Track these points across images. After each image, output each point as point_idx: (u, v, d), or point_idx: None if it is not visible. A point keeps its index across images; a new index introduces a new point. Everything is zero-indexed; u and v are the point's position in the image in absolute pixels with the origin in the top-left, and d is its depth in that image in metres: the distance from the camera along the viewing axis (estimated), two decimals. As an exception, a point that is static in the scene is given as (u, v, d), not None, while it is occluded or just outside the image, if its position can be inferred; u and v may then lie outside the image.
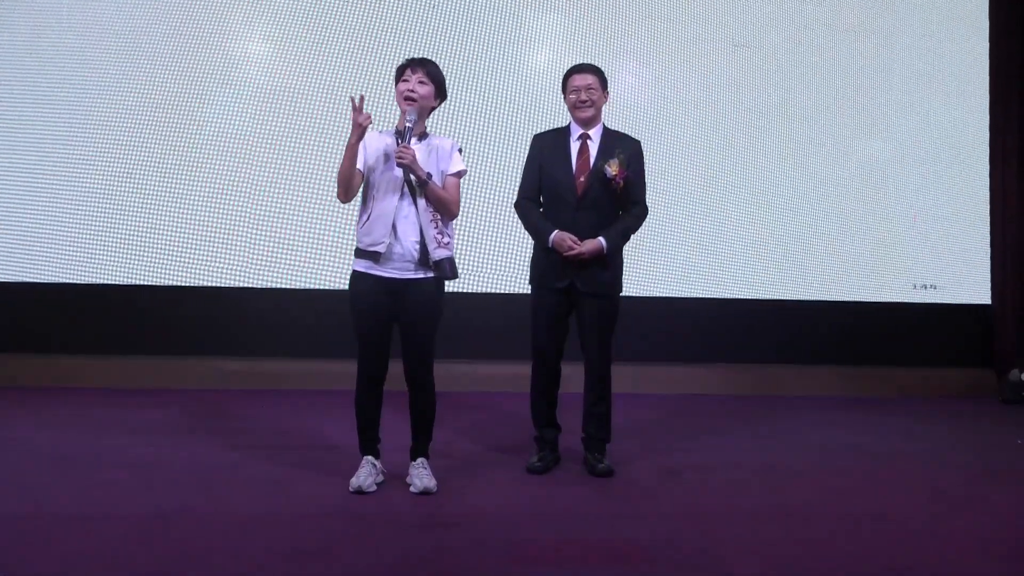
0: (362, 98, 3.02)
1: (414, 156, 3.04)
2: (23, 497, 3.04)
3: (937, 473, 3.71)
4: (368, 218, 3.11)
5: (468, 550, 2.67)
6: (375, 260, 3.10)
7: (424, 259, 3.13)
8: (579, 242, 3.42)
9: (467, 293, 5.28)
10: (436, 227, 3.13)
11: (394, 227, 3.09)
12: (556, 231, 3.46)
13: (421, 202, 3.11)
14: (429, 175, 3.11)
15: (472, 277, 5.42)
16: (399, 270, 3.12)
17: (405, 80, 3.15)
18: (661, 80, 5.73)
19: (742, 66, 5.81)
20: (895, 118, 5.97)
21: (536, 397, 3.62)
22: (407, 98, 3.12)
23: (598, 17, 5.70)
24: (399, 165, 3.04)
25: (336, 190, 3.15)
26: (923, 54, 6.01)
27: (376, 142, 3.16)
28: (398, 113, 3.21)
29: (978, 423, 4.81)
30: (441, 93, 3.24)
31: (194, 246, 5.34)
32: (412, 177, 3.09)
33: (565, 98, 3.59)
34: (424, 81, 3.15)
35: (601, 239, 3.44)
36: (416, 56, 3.23)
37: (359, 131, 3.02)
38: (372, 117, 3.02)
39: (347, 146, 3.05)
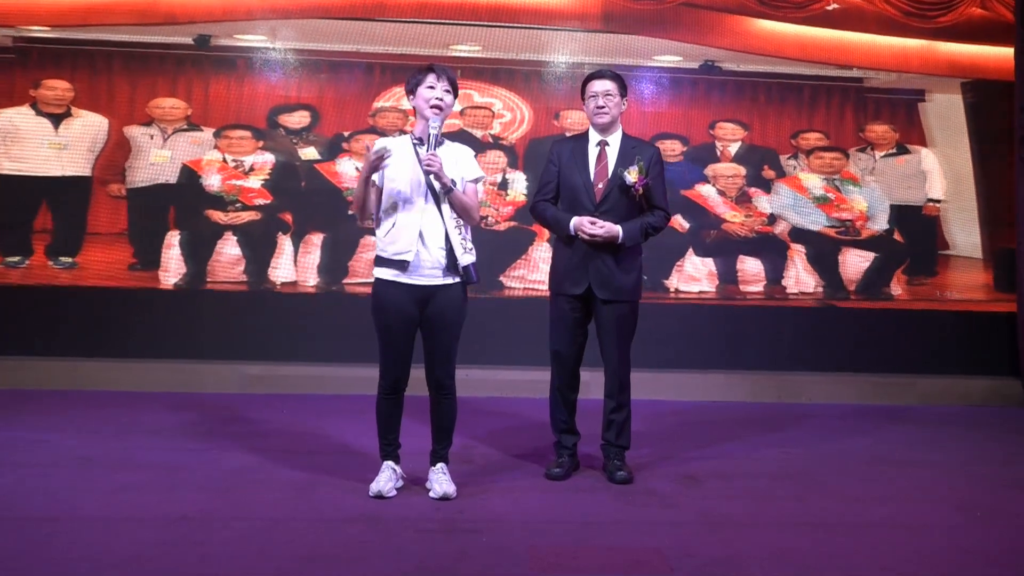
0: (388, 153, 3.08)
1: (441, 164, 3.07)
2: (48, 500, 3.09)
3: (961, 483, 3.67)
4: (393, 227, 3.12)
5: (487, 555, 2.68)
6: (402, 268, 3.11)
7: (452, 265, 3.13)
8: (598, 223, 3.42)
9: (487, 298, 5.29)
10: (460, 233, 3.14)
11: (420, 235, 3.11)
12: (575, 216, 3.46)
13: (446, 208, 3.12)
14: (453, 181, 3.12)
15: (492, 282, 5.42)
16: (428, 277, 3.13)
17: (431, 87, 3.14)
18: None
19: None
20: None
21: (555, 403, 3.61)
22: (435, 107, 3.13)
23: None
24: (427, 173, 3.06)
25: (352, 211, 3.17)
26: None
27: (395, 150, 3.15)
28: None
29: (1003, 432, 4.74)
30: (456, 98, 3.27)
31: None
32: (437, 184, 3.10)
33: (584, 104, 3.60)
34: (448, 90, 3.17)
35: (618, 226, 3.43)
36: (434, 63, 3.23)
37: (374, 168, 3.08)
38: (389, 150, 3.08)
39: (361, 178, 3.13)
